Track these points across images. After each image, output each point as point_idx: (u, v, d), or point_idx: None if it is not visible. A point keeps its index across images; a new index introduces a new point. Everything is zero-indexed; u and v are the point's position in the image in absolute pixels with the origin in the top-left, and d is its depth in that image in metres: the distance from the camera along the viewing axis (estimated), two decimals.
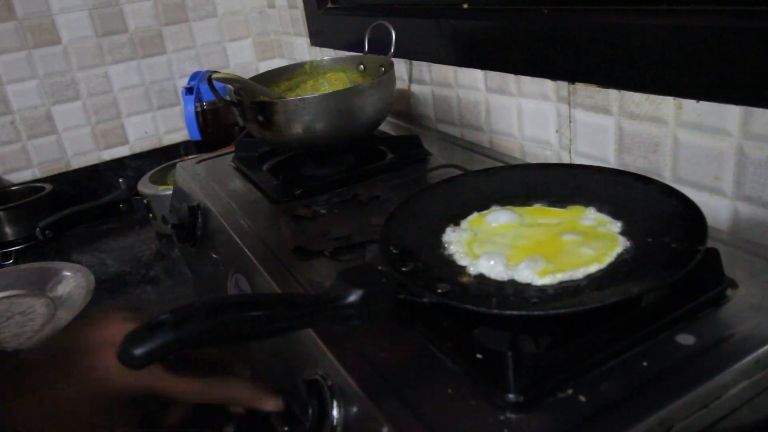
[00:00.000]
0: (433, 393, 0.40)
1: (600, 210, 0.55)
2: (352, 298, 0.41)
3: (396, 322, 0.47)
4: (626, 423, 0.35)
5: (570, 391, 0.38)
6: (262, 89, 0.91)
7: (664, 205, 0.51)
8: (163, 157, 1.50)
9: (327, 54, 1.33)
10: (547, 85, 0.76)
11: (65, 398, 0.41)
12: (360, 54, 1.01)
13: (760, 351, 0.40)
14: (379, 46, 0.98)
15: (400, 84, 1.06)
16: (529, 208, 0.59)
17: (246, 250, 0.67)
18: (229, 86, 0.85)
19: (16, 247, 1.22)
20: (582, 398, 0.38)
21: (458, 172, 0.76)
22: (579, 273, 0.46)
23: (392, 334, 0.47)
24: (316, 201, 0.75)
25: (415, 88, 1.06)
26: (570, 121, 0.74)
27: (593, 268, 0.47)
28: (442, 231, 0.56)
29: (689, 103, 0.59)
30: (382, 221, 0.57)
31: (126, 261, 1.14)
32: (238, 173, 0.91)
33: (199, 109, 1.42)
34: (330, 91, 0.85)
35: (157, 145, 1.54)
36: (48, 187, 1.33)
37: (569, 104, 0.74)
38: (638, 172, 0.58)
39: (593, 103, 0.70)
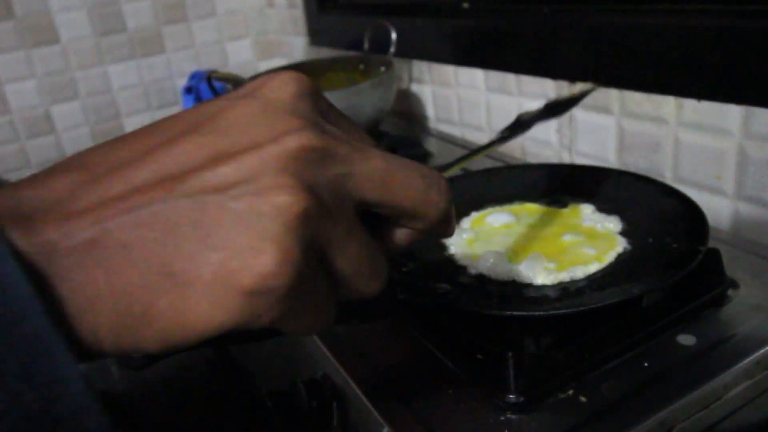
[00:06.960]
0: (433, 393, 0.40)
1: (600, 210, 0.55)
2: None
3: (396, 322, 0.47)
4: (627, 424, 0.35)
5: (570, 392, 0.38)
6: None
7: (665, 205, 0.51)
8: None
9: (327, 54, 1.32)
10: (548, 85, 0.76)
11: None
12: (360, 54, 1.01)
13: (762, 351, 0.40)
14: (379, 46, 0.98)
15: (400, 84, 1.06)
16: (529, 208, 0.58)
17: None
18: (229, 86, 0.85)
19: None
20: (582, 399, 0.38)
21: (458, 172, 0.76)
22: (579, 273, 0.46)
23: (392, 334, 0.46)
24: None
25: (415, 88, 1.05)
26: (570, 121, 0.74)
27: (593, 268, 0.47)
28: None
29: (690, 103, 0.59)
30: None
31: None
32: None
33: None
34: (330, 91, 0.85)
35: None
36: None
37: None
38: (639, 172, 0.58)
39: (594, 102, 0.70)
